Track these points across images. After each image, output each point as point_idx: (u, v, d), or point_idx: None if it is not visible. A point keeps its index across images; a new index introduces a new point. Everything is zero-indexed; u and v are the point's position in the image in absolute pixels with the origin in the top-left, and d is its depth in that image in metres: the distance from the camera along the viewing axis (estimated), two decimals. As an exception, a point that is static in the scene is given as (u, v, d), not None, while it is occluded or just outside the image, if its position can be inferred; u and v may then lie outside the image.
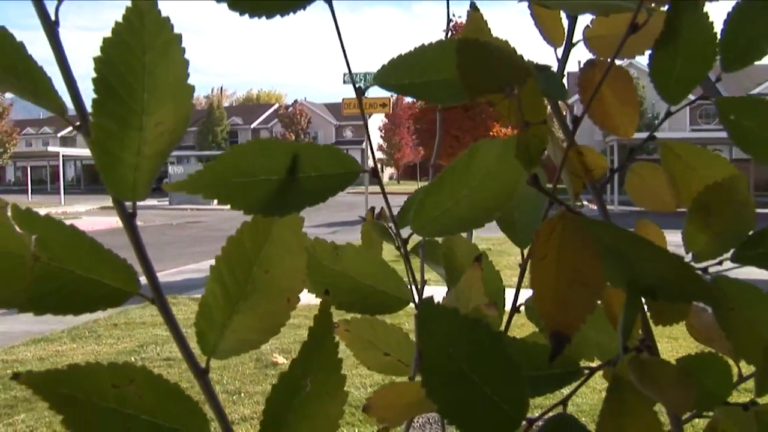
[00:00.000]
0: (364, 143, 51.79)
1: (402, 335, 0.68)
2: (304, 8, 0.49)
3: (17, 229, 0.45)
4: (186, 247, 16.43)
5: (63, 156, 37.55)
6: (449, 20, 0.71)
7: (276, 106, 62.88)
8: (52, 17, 0.45)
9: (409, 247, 0.79)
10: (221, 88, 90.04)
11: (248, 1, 0.47)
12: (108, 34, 0.45)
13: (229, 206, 0.48)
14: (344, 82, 15.78)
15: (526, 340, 0.52)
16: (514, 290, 0.57)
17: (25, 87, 0.45)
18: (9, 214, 0.45)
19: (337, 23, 0.51)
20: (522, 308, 0.59)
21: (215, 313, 0.48)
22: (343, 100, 15.47)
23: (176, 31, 0.45)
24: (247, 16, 0.48)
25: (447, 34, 0.59)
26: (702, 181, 0.57)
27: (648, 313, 0.56)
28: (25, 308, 0.45)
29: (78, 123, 0.46)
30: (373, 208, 0.76)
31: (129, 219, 0.47)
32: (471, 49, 0.45)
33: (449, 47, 0.50)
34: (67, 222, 0.47)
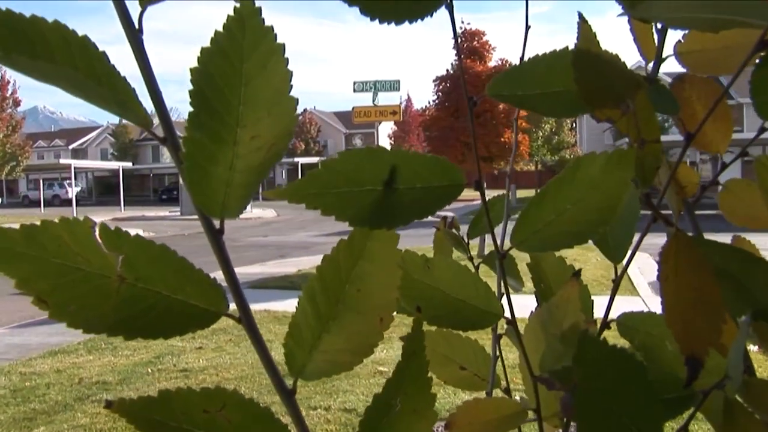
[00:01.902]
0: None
1: (478, 348, 0.66)
2: (432, 15, 0.48)
3: (104, 249, 0.43)
4: (198, 257, 16.04)
5: (75, 168, 37.81)
6: (528, 27, 0.69)
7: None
8: (136, 24, 0.43)
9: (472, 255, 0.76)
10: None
11: (379, 6, 0.46)
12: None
13: (333, 217, 0.46)
14: (354, 90, 15.82)
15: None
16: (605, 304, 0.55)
17: (108, 97, 0.43)
18: (96, 233, 0.43)
19: (455, 28, 0.50)
20: (612, 324, 0.57)
21: (305, 332, 0.45)
22: (353, 108, 15.49)
23: (278, 41, 0.43)
24: (377, 21, 0.47)
25: (456, 43, 0.57)
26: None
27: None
28: (113, 332, 0.43)
29: (163, 136, 0.44)
30: (445, 218, 0.74)
31: (216, 235, 0.45)
32: (587, 60, 0.43)
33: (562, 58, 0.48)
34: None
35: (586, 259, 12.62)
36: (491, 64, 14.28)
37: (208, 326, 0.45)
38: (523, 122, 15.04)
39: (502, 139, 12.67)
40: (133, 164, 52.70)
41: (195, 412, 0.42)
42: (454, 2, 0.47)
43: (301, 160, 50.38)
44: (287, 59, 0.44)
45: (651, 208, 0.44)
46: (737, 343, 0.43)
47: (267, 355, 0.46)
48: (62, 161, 42.24)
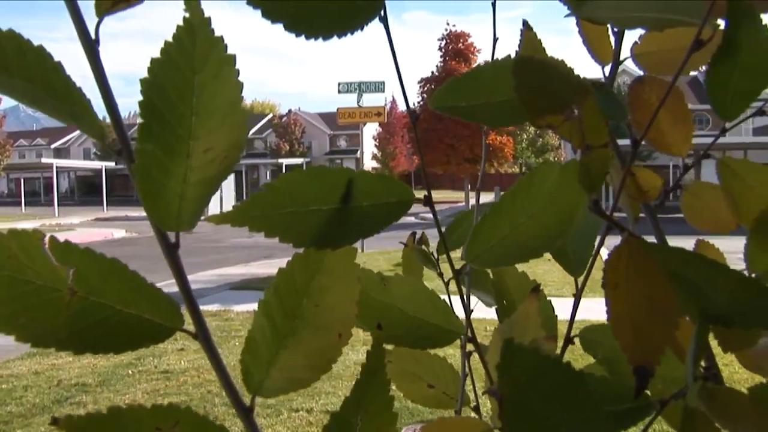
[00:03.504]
0: (359, 152, 51.89)
1: (447, 366, 0.65)
2: (362, 29, 0.46)
3: (54, 261, 0.42)
4: (183, 258, 15.80)
5: (57, 167, 37.43)
6: (495, 38, 0.68)
7: (270, 116, 62.77)
8: (92, 35, 0.42)
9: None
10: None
11: (303, 23, 0.45)
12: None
13: (278, 239, 0.45)
14: (339, 91, 15.78)
15: (594, 374, 0.49)
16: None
17: (64, 109, 0.42)
18: (46, 246, 0.42)
19: (391, 41, 0.49)
20: (576, 339, 0.56)
21: (262, 348, 0.45)
22: (338, 109, 15.46)
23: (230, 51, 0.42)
24: (303, 37, 0.45)
25: (492, 51, 0.56)
26: (762, 199, 0.55)
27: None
28: (64, 346, 0.42)
29: (119, 148, 0.43)
30: (414, 233, 0.73)
31: (171, 250, 0.44)
32: (528, 68, 0.42)
33: (506, 67, 0.48)
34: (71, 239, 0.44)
35: (553, 262, 12.70)
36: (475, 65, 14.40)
37: (163, 341, 0.44)
38: (508, 125, 15.10)
39: (487, 140, 12.71)
40: (116, 164, 52.25)
41: (147, 429, 0.41)
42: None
43: (286, 161, 50.22)
44: (238, 70, 0.43)
45: (601, 214, 0.44)
46: (690, 350, 0.43)
47: (223, 371, 0.45)
48: (44, 160, 41.79)
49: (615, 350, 0.51)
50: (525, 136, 34.48)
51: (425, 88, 14.86)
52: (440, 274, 0.68)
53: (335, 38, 0.46)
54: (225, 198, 33.74)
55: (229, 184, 34.29)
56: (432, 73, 16.02)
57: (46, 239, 0.42)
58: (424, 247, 0.71)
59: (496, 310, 0.61)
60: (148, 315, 0.43)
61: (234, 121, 0.43)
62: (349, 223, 0.47)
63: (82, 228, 25.38)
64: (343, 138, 55.68)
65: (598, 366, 0.55)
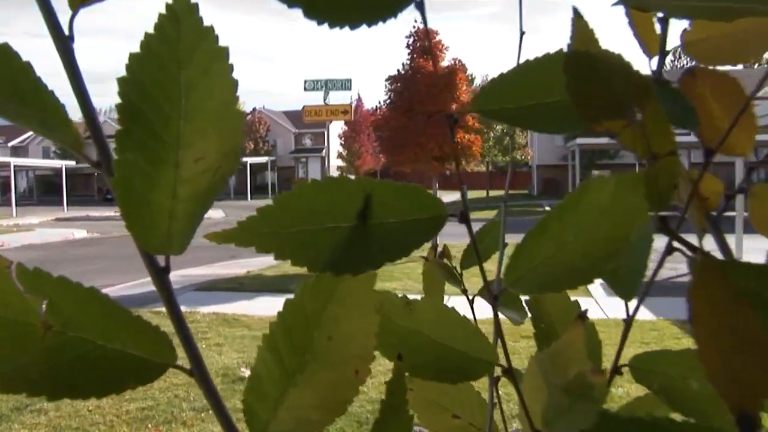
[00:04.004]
0: (324, 151, 51.48)
1: (474, 394, 0.58)
2: (395, 16, 0.39)
3: (23, 292, 0.36)
4: None
5: (14, 166, 36.37)
6: (522, 33, 0.61)
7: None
8: (66, 31, 0.36)
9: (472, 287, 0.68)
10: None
11: (329, 10, 0.38)
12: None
13: (290, 262, 0.39)
14: (305, 89, 15.64)
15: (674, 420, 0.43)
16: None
17: (32, 116, 0.36)
18: (14, 274, 0.36)
19: (427, 28, 0.42)
20: (624, 369, 0.51)
21: (267, 387, 0.39)
22: (304, 107, 15.30)
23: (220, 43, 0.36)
24: (326, 26, 0.38)
25: (519, 46, 0.51)
26: None
27: None
28: (38, 390, 0.36)
29: (97, 159, 0.38)
30: (435, 246, 0.68)
31: (161, 275, 0.38)
32: (581, 63, 0.37)
33: (559, 63, 0.41)
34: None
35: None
36: (444, 63, 14.20)
37: (153, 380, 0.38)
38: (475, 122, 15.05)
39: (456, 139, 12.69)
40: (76, 163, 51.02)
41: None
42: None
43: (250, 160, 49.65)
44: (231, 65, 0.37)
45: (669, 233, 0.39)
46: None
47: (223, 411, 0.39)
48: (1, 159, 40.59)
49: (671, 378, 0.47)
50: (492, 134, 34.52)
51: (393, 86, 14.77)
52: (464, 291, 0.63)
53: (364, 26, 0.39)
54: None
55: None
56: (398, 71, 15.98)
57: (13, 267, 0.36)
58: (446, 261, 0.66)
59: (534, 335, 0.55)
60: (134, 350, 0.38)
61: (228, 124, 0.37)
62: (370, 244, 0.41)
63: (41, 228, 24.67)
64: (308, 136, 55.22)
65: (653, 398, 0.49)
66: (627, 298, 0.49)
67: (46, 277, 0.36)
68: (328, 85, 15.31)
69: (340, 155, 47.39)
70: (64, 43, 0.36)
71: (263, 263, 13.50)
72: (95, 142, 0.37)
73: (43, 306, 0.36)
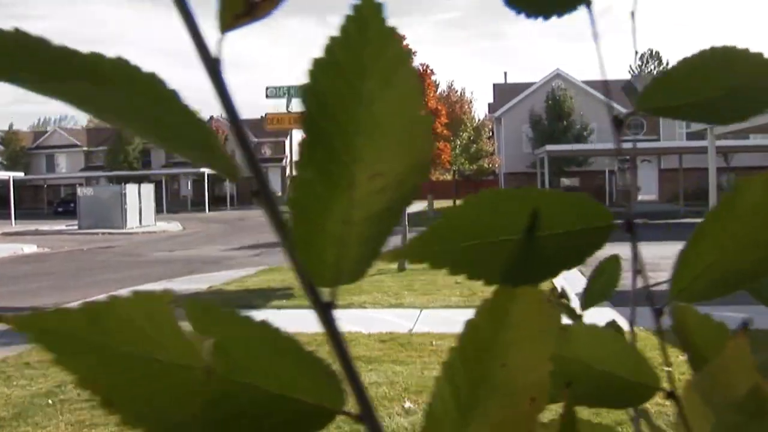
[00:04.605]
0: (285, 161, 51.09)
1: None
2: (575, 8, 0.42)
3: (186, 332, 0.32)
4: (100, 274, 15.61)
5: (-43, 179, 35.09)
6: (633, 11, 0.59)
7: (191, 123, 60.84)
8: (213, 53, 0.32)
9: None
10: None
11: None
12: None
13: (465, 276, 0.39)
14: (267, 96, 15.45)
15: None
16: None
17: (184, 144, 0.33)
18: (176, 312, 0.32)
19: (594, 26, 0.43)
20: None
21: (445, 426, 0.36)
22: (266, 115, 15.08)
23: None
24: (523, 15, 0.40)
25: (633, 26, 0.50)
26: None
27: None
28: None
29: (255, 189, 0.34)
30: (554, 288, 0.65)
31: (325, 311, 0.34)
32: None
33: (728, 54, 0.42)
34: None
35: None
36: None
37: (320, 429, 0.34)
38: (444, 129, 14.98)
39: None
40: (25, 174, 49.44)
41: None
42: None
43: (207, 171, 48.89)
44: (416, 69, 0.34)
45: None
46: None
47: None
48: (-57, 171, 39.05)
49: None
50: (459, 142, 34.51)
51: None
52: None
53: (555, 17, 0.43)
54: (144, 209, 32.53)
55: (148, 196, 33.09)
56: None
57: (181, 303, 0.32)
58: (564, 301, 0.63)
59: (688, 359, 0.53)
60: (303, 396, 0.34)
61: (414, 135, 0.34)
62: (544, 255, 0.41)
63: (-12, 243, 23.76)
64: (267, 146, 54.77)
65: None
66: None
67: (216, 313, 0.32)
68: (291, 92, 15.11)
69: (300, 166, 47.01)
70: (213, 66, 0.33)
71: (224, 278, 13.25)
72: (252, 170, 0.34)
73: (208, 348, 0.32)
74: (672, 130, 42.16)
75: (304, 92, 0.33)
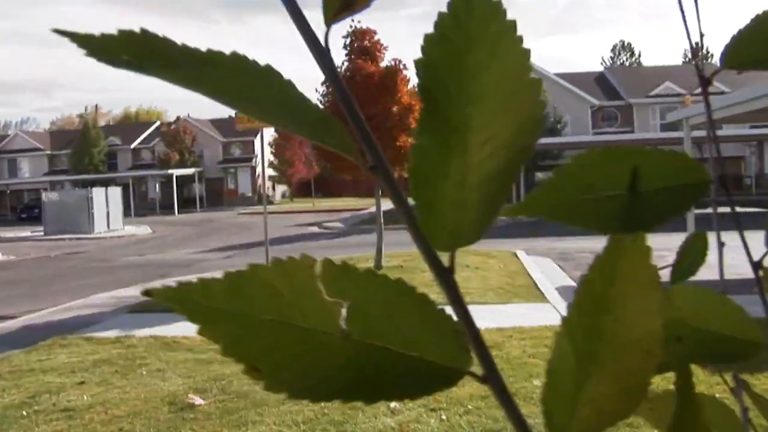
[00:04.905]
0: (255, 160, 50.65)
1: (727, 410, 0.52)
2: None
3: (324, 295, 0.33)
4: (70, 281, 15.33)
5: None
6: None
7: (158, 123, 59.94)
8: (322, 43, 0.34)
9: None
10: (96, 106, 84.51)
11: None
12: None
13: (580, 227, 0.43)
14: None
15: None
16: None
17: (302, 126, 0.35)
18: (318, 272, 0.32)
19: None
20: None
21: (565, 380, 0.37)
22: (236, 114, 14.96)
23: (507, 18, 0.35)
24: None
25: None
26: None
27: None
28: (331, 399, 0.33)
29: (372, 163, 0.35)
30: None
31: (445, 275, 0.35)
32: None
33: None
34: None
35: (489, 266, 12.89)
36: (383, 64, 13.77)
37: (448, 388, 0.35)
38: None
39: (397, 143, 12.25)
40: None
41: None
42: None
43: (176, 172, 48.24)
44: (521, 37, 0.36)
45: None
46: None
47: (521, 421, 0.36)
48: None
49: None
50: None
51: (329, 89, 14.45)
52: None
53: None
54: (112, 213, 31.96)
55: (116, 200, 32.53)
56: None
57: (318, 266, 0.32)
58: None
59: None
60: (432, 356, 0.35)
61: (521, 99, 0.36)
62: (646, 209, 0.44)
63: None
64: (237, 145, 54.17)
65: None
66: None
67: (353, 274, 0.33)
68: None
69: (271, 164, 46.75)
70: (325, 57, 0.34)
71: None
72: (367, 146, 0.35)
73: (344, 311, 0.33)
74: (646, 122, 42.03)
75: (418, 65, 0.35)
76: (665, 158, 0.44)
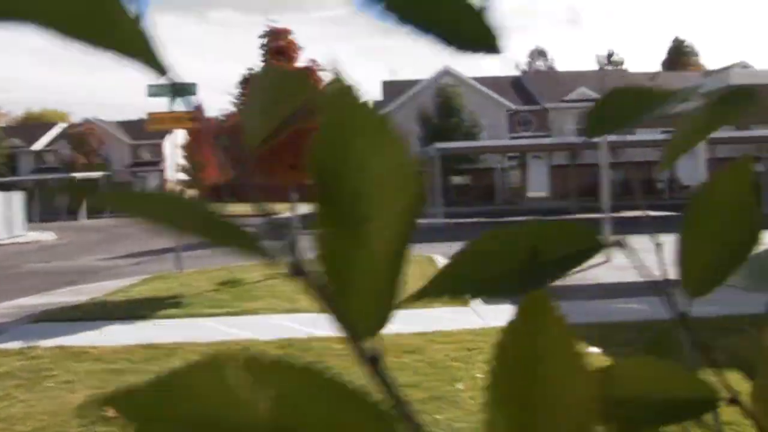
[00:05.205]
0: (162, 164, 48.98)
1: None
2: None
3: (247, 390, 0.33)
4: None
5: None
6: None
7: (63, 125, 57.08)
8: None
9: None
10: (-6, 106, 79.19)
11: None
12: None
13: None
14: (149, 94, 14.69)
15: None
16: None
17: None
18: (245, 368, 0.33)
19: None
20: None
21: None
22: (149, 114, 14.29)
23: None
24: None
25: None
26: None
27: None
28: None
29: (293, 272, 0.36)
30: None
31: (373, 364, 0.36)
32: None
33: None
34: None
35: (406, 271, 12.98)
36: (299, 64, 13.61)
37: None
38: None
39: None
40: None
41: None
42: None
43: (81, 177, 45.95)
44: (395, 129, 0.39)
45: None
46: None
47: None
48: None
49: None
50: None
51: (245, 90, 14.17)
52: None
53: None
54: (14, 219, 30.11)
55: (18, 205, 30.68)
56: (250, 73, 15.44)
57: (246, 363, 0.33)
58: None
59: None
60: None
61: (405, 182, 0.38)
62: (540, 276, 0.47)
63: None
64: (146, 149, 52.21)
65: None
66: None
67: (277, 367, 0.34)
68: (174, 90, 14.40)
69: (182, 168, 45.26)
70: None
71: (106, 288, 12.48)
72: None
73: (270, 408, 0.34)
74: (562, 127, 42.01)
75: (311, 166, 0.38)
76: (558, 231, 0.47)
